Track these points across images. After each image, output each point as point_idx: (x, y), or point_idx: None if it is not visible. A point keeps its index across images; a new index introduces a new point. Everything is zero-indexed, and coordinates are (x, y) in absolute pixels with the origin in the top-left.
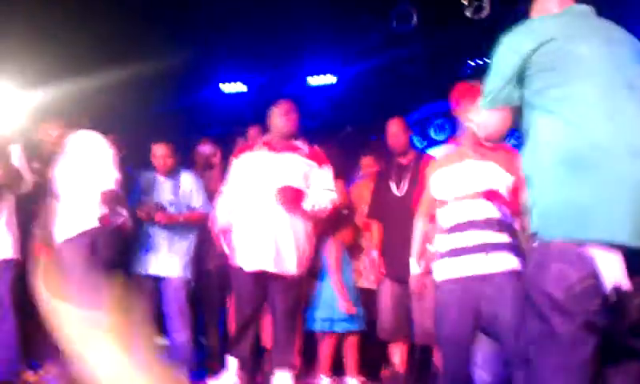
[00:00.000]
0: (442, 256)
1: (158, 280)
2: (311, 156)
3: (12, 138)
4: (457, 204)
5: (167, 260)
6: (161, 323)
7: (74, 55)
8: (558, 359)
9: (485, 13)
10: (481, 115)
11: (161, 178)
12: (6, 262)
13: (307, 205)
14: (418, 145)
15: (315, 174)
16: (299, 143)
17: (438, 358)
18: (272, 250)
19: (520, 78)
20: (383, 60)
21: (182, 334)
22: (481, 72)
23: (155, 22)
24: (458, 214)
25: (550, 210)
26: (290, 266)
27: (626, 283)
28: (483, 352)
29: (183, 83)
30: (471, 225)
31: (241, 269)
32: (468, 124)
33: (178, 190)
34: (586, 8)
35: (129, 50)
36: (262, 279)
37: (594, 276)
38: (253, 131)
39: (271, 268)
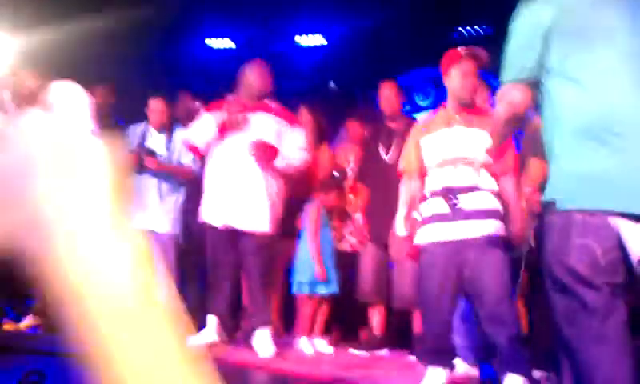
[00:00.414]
0: (428, 220)
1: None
2: (283, 115)
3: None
4: (443, 169)
5: (157, 215)
6: None
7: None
8: (592, 329)
9: None
10: (502, 91)
11: (154, 132)
12: None
13: (279, 162)
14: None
15: (287, 133)
16: (270, 102)
17: (416, 323)
18: (241, 207)
19: (542, 48)
20: (372, 23)
21: (166, 290)
22: (469, 39)
23: None
24: (443, 179)
25: (571, 179)
26: (261, 224)
27: None
28: (459, 316)
29: (170, 36)
30: (456, 190)
31: (211, 226)
32: (456, 87)
33: (170, 145)
34: None
35: None
36: (234, 236)
37: (619, 247)
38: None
39: (241, 225)
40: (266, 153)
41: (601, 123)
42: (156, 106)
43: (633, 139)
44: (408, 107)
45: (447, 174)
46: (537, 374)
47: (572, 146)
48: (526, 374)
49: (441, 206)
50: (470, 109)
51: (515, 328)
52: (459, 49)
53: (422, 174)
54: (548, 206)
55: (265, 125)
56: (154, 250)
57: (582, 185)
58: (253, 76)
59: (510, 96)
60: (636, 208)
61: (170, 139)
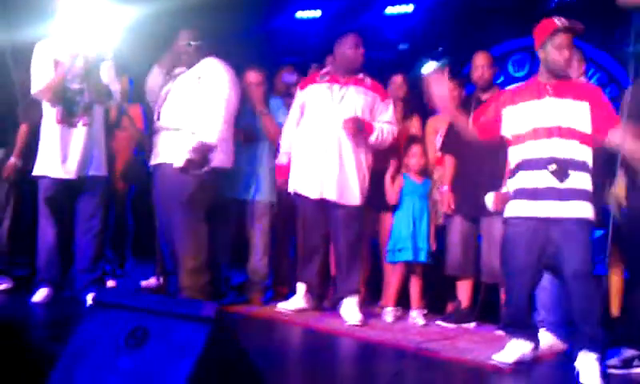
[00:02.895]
0: (516, 193)
1: (243, 203)
2: (374, 89)
3: (103, 54)
4: (534, 142)
5: (254, 183)
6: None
7: None
8: None
9: None
10: None
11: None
12: (95, 178)
13: (373, 136)
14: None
15: (378, 107)
16: (362, 76)
17: (504, 297)
18: (334, 180)
19: None
20: None
21: (263, 258)
22: (564, 8)
23: None
24: (534, 152)
25: None
26: (352, 196)
27: None
28: (547, 294)
29: (259, 9)
30: (547, 163)
31: (305, 197)
32: (551, 59)
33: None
34: None
35: None
36: (325, 207)
37: None
38: (314, 68)
39: (334, 197)
40: (358, 128)
41: None
42: (254, 79)
43: None
44: (502, 78)
45: (539, 146)
46: (629, 352)
47: None
48: (600, 353)
49: (530, 179)
50: (563, 80)
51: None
52: (555, 19)
53: (510, 142)
54: None
55: (357, 99)
56: (251, 217)
57: None
58: (346, 49)
59: None
60: None
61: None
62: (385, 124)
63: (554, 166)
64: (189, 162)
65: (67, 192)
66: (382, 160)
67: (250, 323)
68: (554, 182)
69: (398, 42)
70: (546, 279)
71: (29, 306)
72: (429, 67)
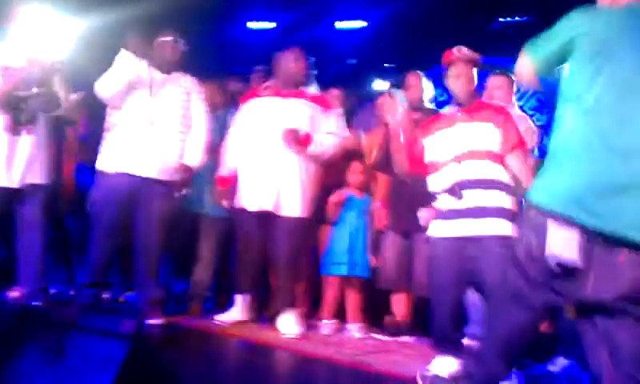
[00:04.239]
0: (436, 215)
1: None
2: (316, 100)
3: (54, 64)
4: (449, 166)
5: (208, 197)
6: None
7: None
8: None
9: None
10: (521, 59)
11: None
12: (36, 186)
13: (312, 148)
14: (440, 98)
15: (321, 118)
16: (305, 88)
17: None
18: (275, 192)
19: (561, 55)
20: (411, 9)
21: (207, 270)
22: (509, 29)
23: None
24: (450, 176)
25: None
26: (293, 208)
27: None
28: (476, 309)
29: (211, 18)
30: (462, 186)
31: (244, 209)
32: (451, 88)
33: (222, 127)
34: None
35: None
36: (265, 220)
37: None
38: (257, 75)
39: (274, 209)
40: (297, 139)
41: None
42: (207, 90)
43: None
44: (446, 96)
45: (452, 170)
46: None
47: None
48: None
49: (447, 202)
50: (470, 106)
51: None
52: (454, 49)
53: (429, 171)
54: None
55: (298, 111)
56: (202, 230)
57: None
58: (288, 63)
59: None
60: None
61: (222, 123)
62: (326, 135)
63: (452, 188)
64: (179, 184)
65: (8, 200)
66: (335, 174)
67: (187, 335)
68: (468, 202)
69: (347, 56)
70: (477, 296)
71: None
72: (381, 87)
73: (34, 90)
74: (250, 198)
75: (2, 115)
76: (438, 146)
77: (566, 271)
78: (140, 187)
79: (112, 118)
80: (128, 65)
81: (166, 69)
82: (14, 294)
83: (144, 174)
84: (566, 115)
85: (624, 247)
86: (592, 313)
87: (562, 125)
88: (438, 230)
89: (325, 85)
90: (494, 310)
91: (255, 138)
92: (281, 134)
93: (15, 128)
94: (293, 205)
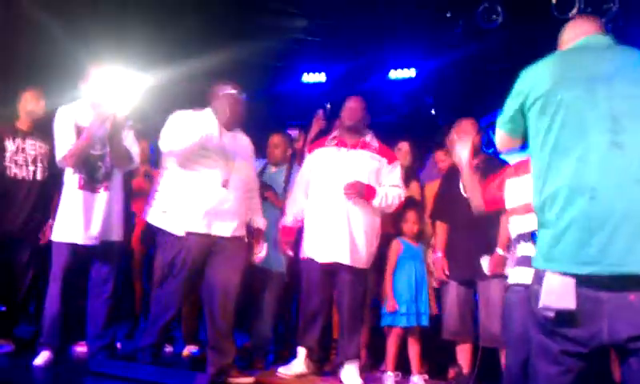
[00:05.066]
0: (517, 261)
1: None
2: (381, 152)
3: (125, 119)
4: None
5: (271, 253)
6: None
7: (178, 41)
8: None
9: (574, 10)
10: (496, 132)
11: (272, 168)
12: (112, 243)
13: (376, 201)
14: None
15: (385, 171)
16: (369, 139)
17: (504, 360)
18: (346, 243)
19: (521, 114)
20: (465, 55)
21: (268, 323)
22: None
23: (258, 12)
24: (532, 222)
25: None
26: (361, 259)
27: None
28: None
29: (266, 72)
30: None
31: (312, 260)
32: None
33: (289, 179)
34: (599, 40)
35: (229, 37)
36: (332, 271)
37: None
38: (318, 118)
39: (345, 260)
40: (361, 192)
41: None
42: (276, 142)
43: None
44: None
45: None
46: None
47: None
48: None
49: (529, 248)
50: None
51: None
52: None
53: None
54: None
55: (364, 162)
56: (263, 284)
57: None
58: (350, 111)
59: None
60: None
61: (289, 173)
62: (391, 188)
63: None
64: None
65: (84, 257)
66: (387, 224)
67: None
68: None
69: (400, 104)
70: None
71: (30, 369)
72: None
73: (108, 147)
74: (317, 249)
75: (78, 174)
76: (521, 189)
77: (571, 318)
78: (215, 247)
79: (170, 173)
80: (199, 120)
81: (232, 124)
82: (81, 348)
83: (219, 233)
84: (535, 170)
85: (633, 285)
86: (625, 356)
87: (538, 180)
88: (518, 275)
89: (381, 136)
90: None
91: (322, 189)
92: (345, 187)
93: (91, 186)
94: (360, 256)
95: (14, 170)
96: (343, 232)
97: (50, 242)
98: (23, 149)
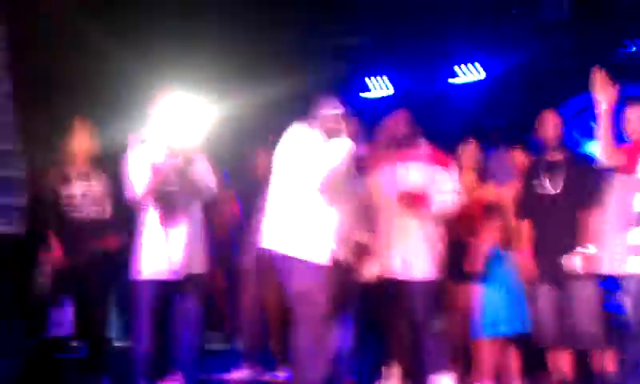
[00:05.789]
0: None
1: None
2: (433, 160)
3: (196, 149)
4: None
5: None
6: None
7: (245, 67)
8: None
9: None
10: None
11: None
12: (195, 276)
13: (432, 208)
14: (575, 136)
15: (439, 177)
16: (420, 149)
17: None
18: (405, 257)
19: None
20: (533, 52)
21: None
22: (634, 57)
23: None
24: None
25: None
26: (421, 271)
27: None
28: None
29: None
30: None
31: (389, 278)
32: None
33: None
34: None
35: (294, 63)
36: (401, 286)
37: None
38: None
39: (406, 274)
40: (415, 201)
41: None
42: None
43: None
44: (576, 134)
45: None
46: None
47: None
48: None
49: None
50: None
51: None
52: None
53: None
54: None
55: (416, 173)
56: None
57: None
58: (393, 127)
59: None
60: None
61: None
62: (446, 193)
63: None
64: None
65: (169, 292)
66: (465, 230)
67: None
68: None
69: (468, 109)
70: None
71: None
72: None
73: (182, 180)
74: (388, 266)
75: (155, 210)
76: None
77: None
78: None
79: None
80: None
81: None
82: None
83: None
84: None
85: None
86: None
87: None
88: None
89: (451, 140)
90: None
91: (382, 208)
92: (398, 198)
93: (170, 220)
94: (422, 267)
95: (77, 215)
96: (404, 246)
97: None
98: (85, 191)
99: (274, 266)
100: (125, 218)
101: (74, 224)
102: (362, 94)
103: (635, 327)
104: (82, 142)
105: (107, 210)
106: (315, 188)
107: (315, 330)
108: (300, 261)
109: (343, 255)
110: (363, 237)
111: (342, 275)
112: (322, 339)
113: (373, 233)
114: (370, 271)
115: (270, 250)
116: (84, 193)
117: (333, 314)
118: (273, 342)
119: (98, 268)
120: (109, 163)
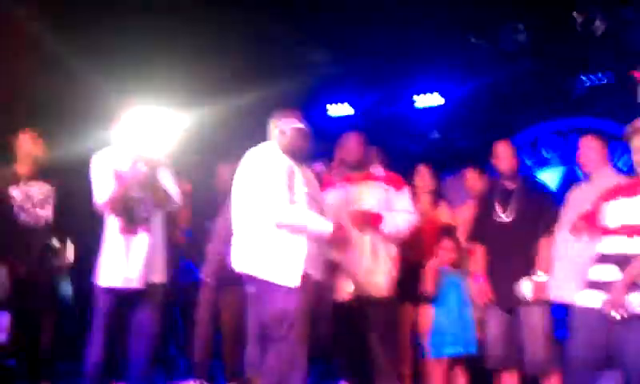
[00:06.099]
0: (589, 284)
1: None
2: (388, 180)
3: (162, 160)
4: (618, 237)
5: None
6: None
7: (209, 79)
8: None
9: (599, 29)
10: None
11: None
12: (155, 285)
13: (386, 228)
14: (528, 164)
15: (394, 198)
16: (374, 169)
17: None
18: (360, 275)
19: None
20: (491, 79)
21: None
22: (593, 89)
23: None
24: (616, 246)
25: None
26: (377, 288)
27: None
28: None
29: (294, 106)
30: (618, 260)
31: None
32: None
33: None
34: None
35: (255, 74)
36: (353, 305)
37: None
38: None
39: (360, 292)
40: (367, 221)
41: None
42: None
43: None
44: (534, 162)
45: (620, 242)
46: None
47: None
48: None
49: (603, 272)
50: None
51: None
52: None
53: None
54: None
55: (373, 194)
56: None
57: None
58: (347, 149)
59: None
60: None
61: None
62: (400, 213)
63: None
64: None
65: (127, 301)
66: (418, 251)
67: None
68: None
69: (428, 132)
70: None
71: None
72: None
73: (145, 189)
74: (342, 287)
75: (117, 218)
76: (614, 212)
77: None
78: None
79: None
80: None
81: (299, 159)
82: None
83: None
84: None
85: None
86: None
87: None
88: (589, 299)
89: (409, 162)
90: None
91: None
92: (351, 218)
93: (131, 229)
94: (377, 286)
95: (23, 218)
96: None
97: (94, 284)
98: (29, 194)
99: (242, 285)
100: (68, 226)
101: (18, 227)
102: (324, 112)
103: (580, 358)
104: (29, 146)
105: (49, 216)
106: (273, 222)
107: (288, 351)
108: (271, 284)
109: (316, 275)
110: (335, 255)
111: (315, 295)
112: (296, 360)
113: (344, 252)
114: (344, 290)
115: (240, 272)
116: (28, 195)
117: (306, 335)
118: (225, 357)
119: (43, 275)
120: (59, 171)
